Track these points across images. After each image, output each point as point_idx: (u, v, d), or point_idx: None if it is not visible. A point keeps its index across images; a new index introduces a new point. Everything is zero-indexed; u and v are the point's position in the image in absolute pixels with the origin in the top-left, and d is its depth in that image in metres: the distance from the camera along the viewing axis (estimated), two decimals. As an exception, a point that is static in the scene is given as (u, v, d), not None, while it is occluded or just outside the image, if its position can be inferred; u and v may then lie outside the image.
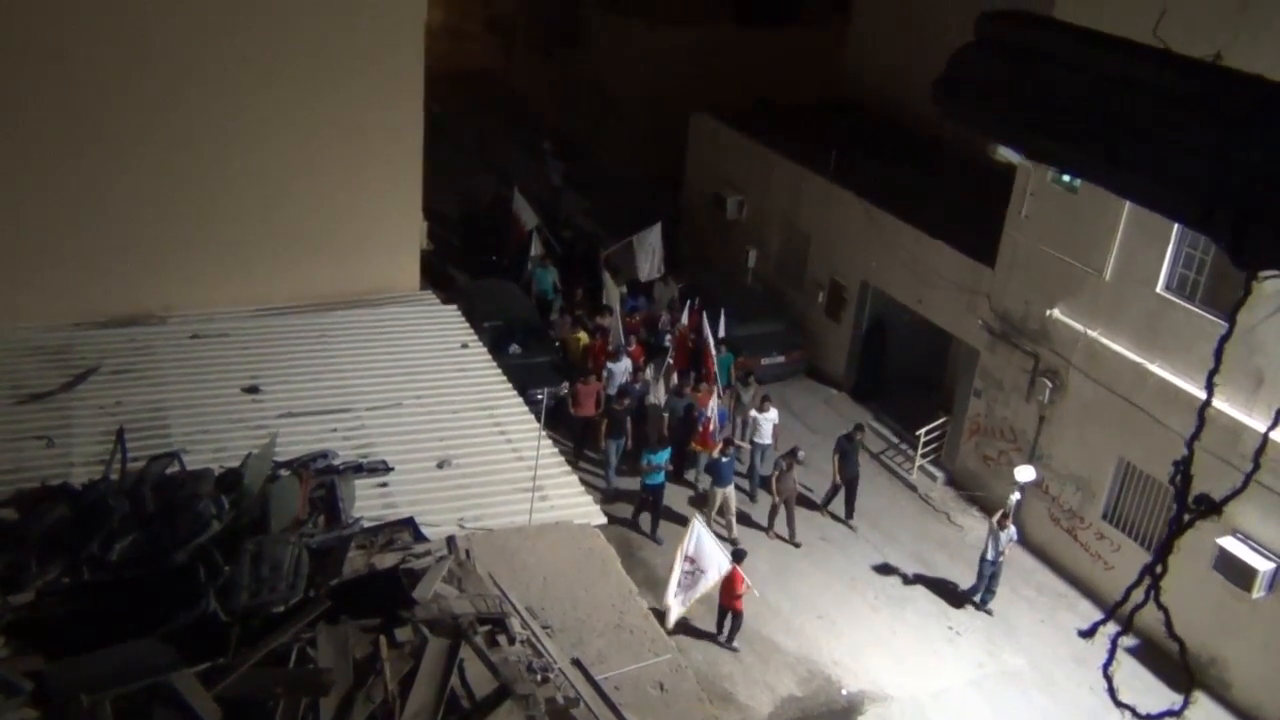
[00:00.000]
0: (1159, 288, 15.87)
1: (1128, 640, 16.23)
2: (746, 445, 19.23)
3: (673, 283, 23.17)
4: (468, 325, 16.00)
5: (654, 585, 15.71)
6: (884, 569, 17.28)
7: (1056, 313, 17.39)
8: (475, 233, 25.76)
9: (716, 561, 14.65)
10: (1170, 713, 4.31)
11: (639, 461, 17.92)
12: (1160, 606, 3.82)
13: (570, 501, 12.13)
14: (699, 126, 26.34)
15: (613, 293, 22.34)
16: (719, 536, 16.34)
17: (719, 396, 19.11)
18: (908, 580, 17.20)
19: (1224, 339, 3.52)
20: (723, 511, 17.72)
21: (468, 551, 9.98)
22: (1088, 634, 4.29)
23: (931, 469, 20.04)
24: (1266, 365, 14.11)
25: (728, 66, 27.15)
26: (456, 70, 31.54)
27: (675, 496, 18.36)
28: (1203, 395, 14.97)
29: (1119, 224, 16.22)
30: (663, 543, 17.22)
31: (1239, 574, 14.49)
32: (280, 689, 7.96)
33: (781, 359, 21.88)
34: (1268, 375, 14.11)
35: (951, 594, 17.01)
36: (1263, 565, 14.34)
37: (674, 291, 22.95)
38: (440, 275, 22.47)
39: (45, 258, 14.08)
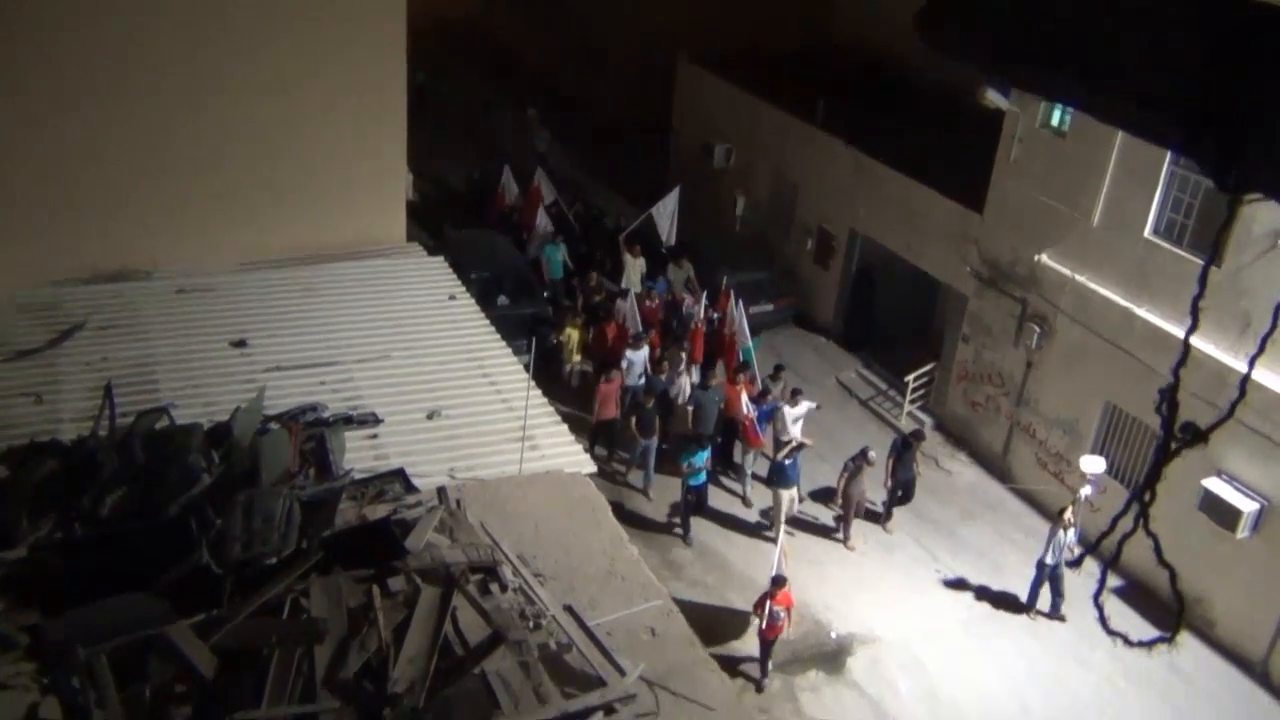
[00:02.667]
0: (1147, 232, 15.88)
1: (1114, 581, 16.46)
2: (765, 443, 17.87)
3: (687, 264, 22.15)
4: (455, 277, 15.94)
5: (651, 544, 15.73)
6: (872, 514, 17.41)
7: (1044, 258, 17.41)
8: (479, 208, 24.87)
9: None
10: (1161, 639, 4.39)
11: (675, 462, 16.86)
12: (1149, 534, 3.87)
13: (560, 450, 12.17)
14: (686, 75, 26.13)
15: (633, 273, 21.67)
16: (769, 540, 16.16)
17: (759, 389, 18.11)
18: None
19: (1207, 264, 3.53)
20: (777, 513, 16.65)
21: (459, 501, 10.02)
22: (1075, 564, 4.35)
23: (920, 415, 20.15)
24: (1254, 308, 14.17)
25: (714, 13, 26.88)
26: (439, 20, 31.16)
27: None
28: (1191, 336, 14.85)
29: (1107, 169, 16.19)
30: (693, 544, 16.61)
31: (1224, 515, 14.66)
32: (275, 639, 8.02)
33: (770, 307, 21.89)
34: (1255, 318, 14.17)
35: (937, 536, 17.16)
36: (1247, 506, 14.50)
37: (689, 272, 21.98)
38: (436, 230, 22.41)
39: (30, 214, 13.94)
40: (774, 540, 16.16)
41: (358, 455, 11.33)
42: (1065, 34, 3.28)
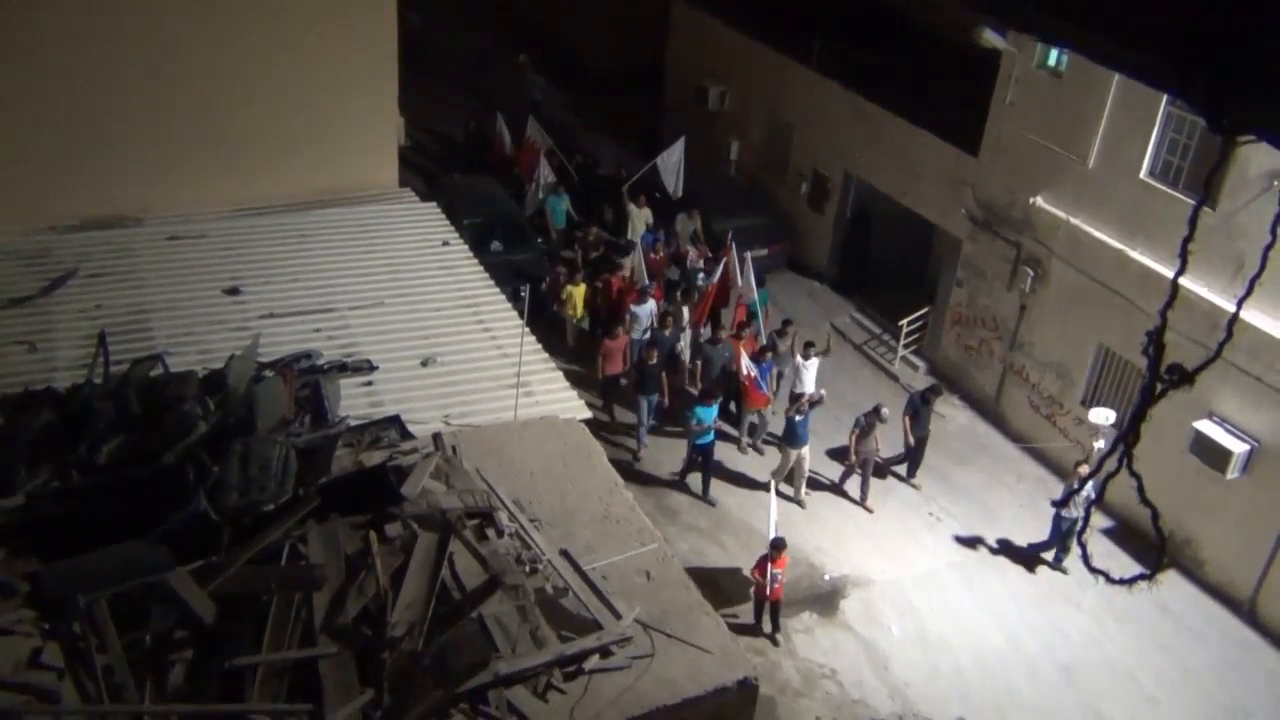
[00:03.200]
0: (1142, 174, 15.82)
1: (1105, 522, 16.56)
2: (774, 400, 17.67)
3: (696, 215, 21.75)
4: (448, 222, 15.86)
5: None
6: (882, 471, 17.39)
7: (1039, 201, 17.35)
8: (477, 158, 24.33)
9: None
10: (1142, 576, 4.46)
11: (684, 418, 16.47)
12: (1133, 474, 3.91)
13: (555, 396, 12.21)
14: (680, 16, 25.81)
15: (639, 224, 21.24)
16: (786, 498, 16.14)
17: (766, 345, 17.71)
18: (890, 469, 17.42)
19: (1198, 206, 3.53)
20: (792, 476, 16.52)
21: (454, 447, 10.06)
22: (1060, 503, 4.41)
23: (913, 359, 20.20)
24: (1247, 250, 14.16)
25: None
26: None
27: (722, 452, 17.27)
28: (1182, 280, 14.93)
29: (1104, 110, 16.09)
30: (715, 504, 16.45)
31: (1214, 456, 14.78)
32: (274, 585, 8.09)
33: (765, 251, 21.80)
34: (1249, 260, 14.16)
35: (930, 479, 17.28)
36: (1237, 447, 14.61)
37: (696, 223, 21.64)
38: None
39: (19, 160, 13.81)
40: (786, 496, 16.28)
41: (353, 402, 11.36)
42: None
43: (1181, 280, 13.90)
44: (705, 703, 8.20)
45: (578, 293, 19.03)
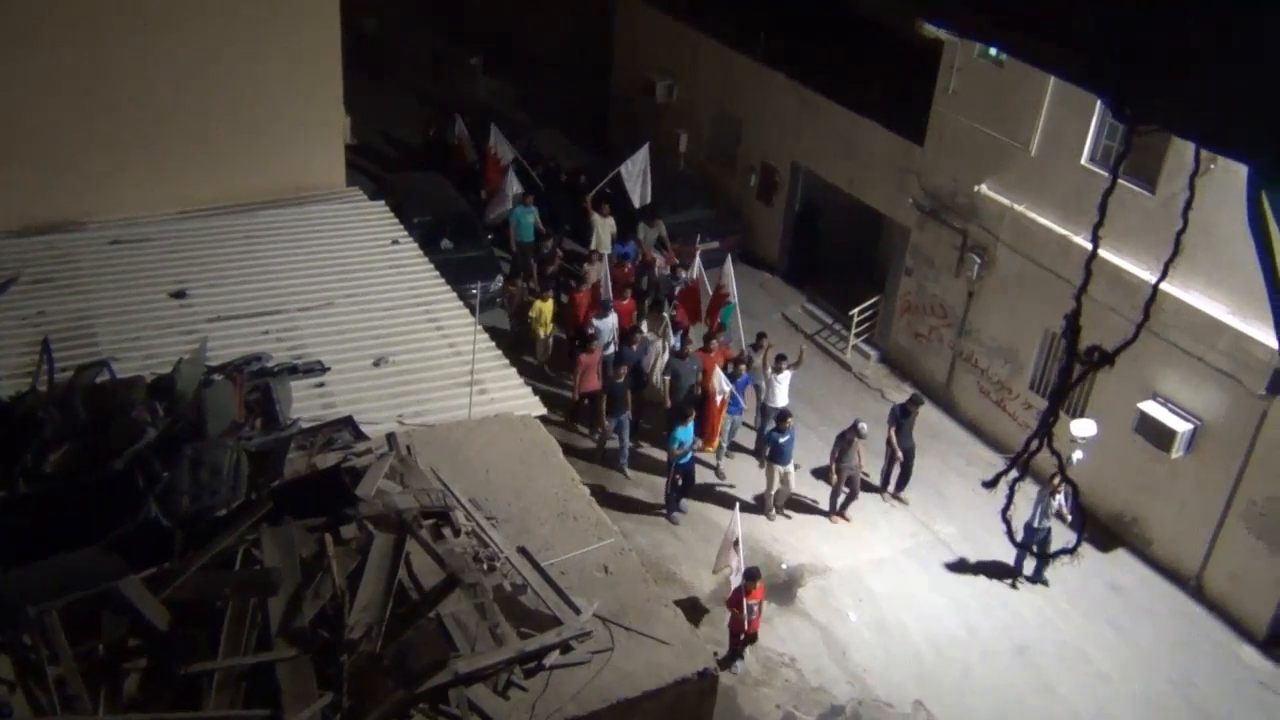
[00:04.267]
0: (1083, 160, 16.07)
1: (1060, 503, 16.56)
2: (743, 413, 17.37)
3: (660, 224, 21.00)
4: (397, 221, 15.76)
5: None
6: (820, 447, 17.62)
7: (984, 188, 17.57)
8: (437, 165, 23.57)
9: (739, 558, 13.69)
10: (1065, 551, 4.61)
11: (664, 441, 16.04)
12: (1053, 452, 4.03)
13: (509, 394, 12.19)
14: (626, 9, 25.80)
15: (603, 234, 20.47)
16: (771, 516, 16.16)
17: (741, 357, 17.15)
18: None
19: (1107, 192, 3.69)
20: (779, 494, 16.32)
21: (409, 447, 10.01)
22: (990, 484, 4.51)
23: (865, 348, 20.39)
24: (1188, 234, 14.39)
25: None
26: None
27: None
28: (1124, 265, 15.26)
29: (1044, 98, 16.32)
30: (679, 523, 16.15)
31: (1159, 436, 15.07)
32: (228, 590, 8.01)
33: (715, 244, 21.85)
34: (1188, 243, 14.41)
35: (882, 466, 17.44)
36: (1181, 426, 14.90)
37: (661, 230, 20.97)
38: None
39: (-46, 166, 13.56)
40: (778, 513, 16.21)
41: (305, 404, 11.28)
42: None
43: (1123, 264, 14.23)
44: (666, 694, 8.24)
45: (546, 308, 18.33)
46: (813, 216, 22.16)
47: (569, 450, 11.59)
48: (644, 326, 18.22)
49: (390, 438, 10.09)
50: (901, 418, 16.59)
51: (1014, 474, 4.42)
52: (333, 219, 15.41)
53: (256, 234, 14.71)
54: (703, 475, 16.85)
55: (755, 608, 13.65)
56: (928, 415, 18.85)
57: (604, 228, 20.74)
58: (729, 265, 18.57)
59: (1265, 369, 14.01)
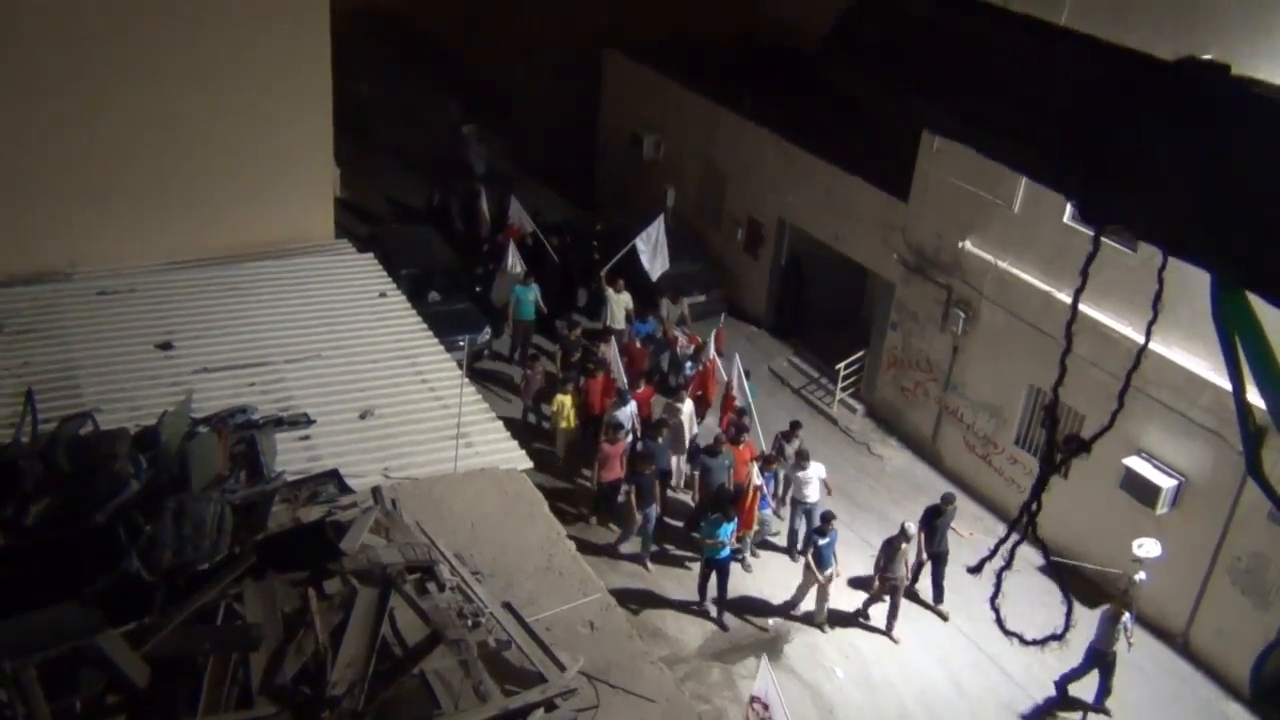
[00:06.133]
0: (1065, 218, 16.24)
1: (1037, 560, 16.73)
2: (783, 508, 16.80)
3: (684, 300, 20.39)
4: (385, 273, 15.80)
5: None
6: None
7: (968, 244, 17.74)
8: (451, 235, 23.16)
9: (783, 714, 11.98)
10: (1054, 637, 4.62)
11: (700, 536, 15.20)
12: (1037, 539, 4.06)
13: (495, 447, 12.16)
14: (613, 65, 26.12)
15: (617, 310, 19.75)
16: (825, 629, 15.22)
17: (771, 454, 16.40)
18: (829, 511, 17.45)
19: (1077, 293, 3.81)
20: (819, 599, 15.32)
21: (394, 501, 9.95)
22: (975, 570, 4.51)
23: (851, 402, 20.43)
24: (1169, 294, 14.54)
25: (641, 3, 26.87)
26: (361, 8, 30.64)
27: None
28: (1107, 320, 15.34)
29: (1023, 175, 16.49)
30: (729, 629, 15.23)
31: (1144, 492, 15.10)
32: (209, 646, 7.91)
33: (702, 298, 22.02)
34: (1168, 303, 14.55)
35: (869, 520, 17.40)
36: (1165, 483, 14.95)
37: (684, 308, 20.36)
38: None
39: (-61, 216, 13.57)
40: (815, 623, 15.20)
41: (290, 457, 11.22)
42: (946, 74, 3.50)
43: (1104, 319, 14.34)
44: (651, 753, 8.15)
45: (569, 401, 17.33)
46: (798, 271, 22.32)
47: (554, 504, 11.52)
48: (666, 414, 17.18)
49: (375, 491, 10.04)
50: (934, 518, 15.45)
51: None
52: (320, 271, 15.44)
53: (243, 285, 14.72)
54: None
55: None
56: (914, 469, 18.91)
57: (618, 304, 19.99)
58: (736, 362, 17.81)
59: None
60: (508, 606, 9.07)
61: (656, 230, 20.72)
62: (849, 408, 20.33)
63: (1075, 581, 15.62)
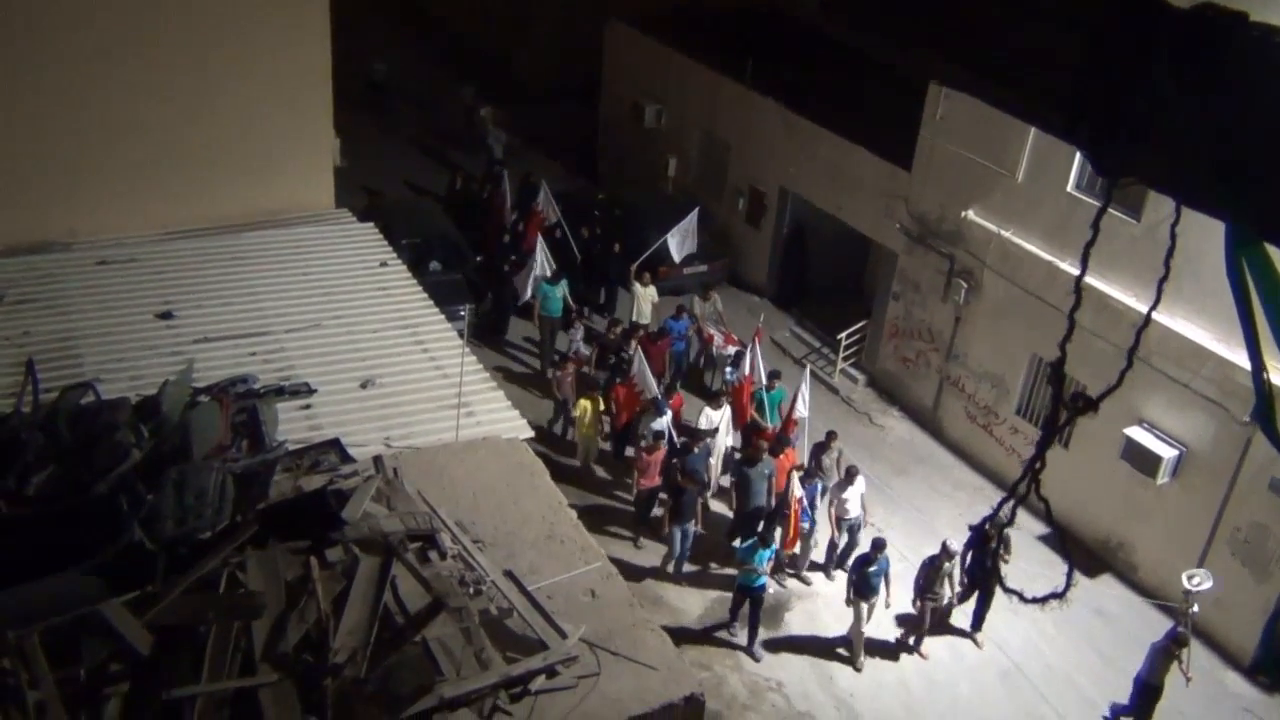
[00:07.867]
0: (1069, 187, 16.17)
1: (1041, 529, 16.72)
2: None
3: (715, 295, 19.68)
4: (385, 243, 15.75)
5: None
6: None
7: (971, 214, 17.67)
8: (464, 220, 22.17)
9: None
10: (1054, 595, 4.63)
11: (738, 559, 14.49)
12: (1040, 498, 4.06)
13: (497, 416, 12.15)
14: (615, 35, 25.93)
15: (644, 306, 19.06)
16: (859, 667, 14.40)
17: (809, 466, 15.56)
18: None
19: (1088, 245, 3.77)
20: (856, 635, 14.47)
21: (395, 470, 9.97)
22: (975, 536, 4.54)
23: (852, 372, 20.42)
24: (1173, 266, 14.50)
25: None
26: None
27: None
28: (1110, 291, 15.31)
29: (1031, 126, 16.40)
30: (760, 659, 14.44)
31: (1145, 462, 15.11)
32: (212, 614, 7.95)
33: (704, 268, 21.95)
34: (1172, 274, 14.51)
35: (871, 491, 17.41)
36: (1166, 452, 14.95)
37: (716, 303, 19.58)
38: None
39: (-62, 185, 13.51)
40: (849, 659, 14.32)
41: (291, 426, 11.22)
42: (958, 25, 3.43)
43: (1108, 290, 14.32)
44: (653, 719, 8.20)
45: (590, 407, 16.55)
46: (801, 240, 22.24)
47: (556, 473, 11.53)
48: (703, 422, 16.17)
49: (377, 460, 10.05)
50: (979, 541, 13.69)
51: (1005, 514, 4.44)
52: (321, 240, 15.38)
53: (244, 255, 14.67)
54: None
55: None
56: (914, 439, 18.92)
57: (645, 298, 19.38)
58: (756, 349, 17.25)
59: (1250, 395, 14.07)
60: (509, 575, 9.10)
61: (690, 222, 20.48)
62: (850, 378, 20.32)
63: (1079, 550, 15.66)
